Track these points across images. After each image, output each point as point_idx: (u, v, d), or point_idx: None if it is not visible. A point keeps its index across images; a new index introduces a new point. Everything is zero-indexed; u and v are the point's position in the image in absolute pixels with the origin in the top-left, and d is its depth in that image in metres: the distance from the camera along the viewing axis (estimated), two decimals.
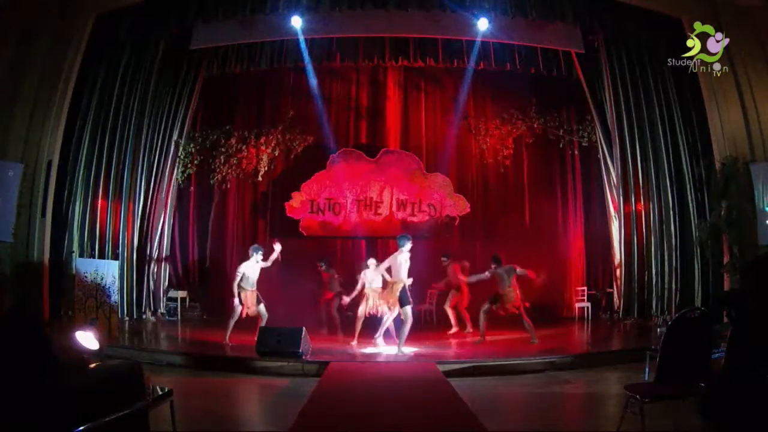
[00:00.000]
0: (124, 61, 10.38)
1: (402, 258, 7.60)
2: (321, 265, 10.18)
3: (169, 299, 11.59)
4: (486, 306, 8.32)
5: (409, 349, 7.66)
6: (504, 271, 8.26)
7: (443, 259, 9.89)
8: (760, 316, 2.26)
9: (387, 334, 8.35)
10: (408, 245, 7.65)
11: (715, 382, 2.61)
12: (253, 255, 8.25)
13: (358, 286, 8.54)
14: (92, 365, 3.12)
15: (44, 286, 9.12)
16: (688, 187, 10.12)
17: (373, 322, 8.51)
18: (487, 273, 8.42)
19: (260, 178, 12.28)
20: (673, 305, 9.87)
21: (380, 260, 8.48)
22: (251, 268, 8.17)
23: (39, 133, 9.27)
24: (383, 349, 7.94)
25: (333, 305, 9.93)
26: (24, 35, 9.09)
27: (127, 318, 10.19)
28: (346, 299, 8.98)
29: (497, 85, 12.34)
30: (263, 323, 7.98)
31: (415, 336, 8.45)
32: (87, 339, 3.59)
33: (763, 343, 2.20)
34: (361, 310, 8.35)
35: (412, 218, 12.17)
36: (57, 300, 9.15)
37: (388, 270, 7.89)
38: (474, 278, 8.79)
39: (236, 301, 8.04)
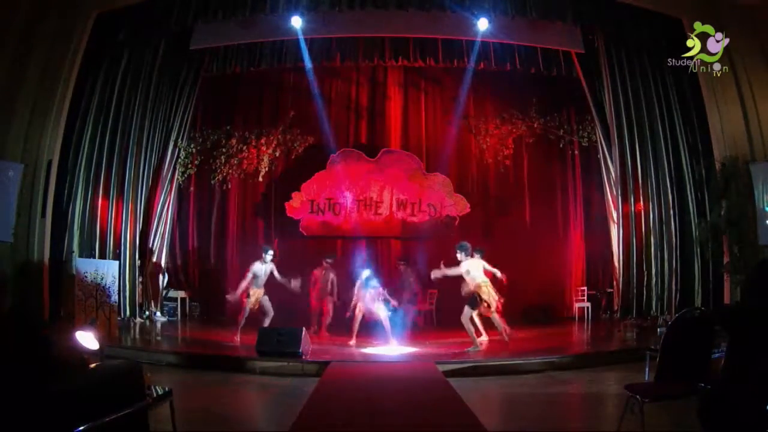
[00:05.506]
0: (124, 61, 10.35)
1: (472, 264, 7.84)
2: (401, 264, 10.26)
3: (169, 299, 11.55)
4: (468, 312, 7.57)
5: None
6: (473, 262, 7.71)
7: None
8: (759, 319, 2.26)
9: (380, 333, 8.38)
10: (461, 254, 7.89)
11: (713, 390, 2.61)
12: (263, 255, 8.46)
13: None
14: (92, 365, 3.11)
15: (44, 286, 9.11)
16: (688, 187, 10.11)
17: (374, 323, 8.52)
18: (462, 264, 7.72)
19: (261, 179, 12.28)
20: (673, 305, 9.85)
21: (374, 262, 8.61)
22: (261, 268, 8.39)
23: (39, 133, 9.26)
24: (383, 348, 7.95)
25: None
26: (24, 35, 9.08)
27: (127, 318, 10.19)
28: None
29: (497, 85, 12.32)
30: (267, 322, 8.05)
31: (415, 336, 8.46)
32: (87, 339, 3.59)
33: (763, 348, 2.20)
34: (359, 310, 8.37)
35: (412, 218, 12.16)
36: (57, 300, 9.16)
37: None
38: (439, 273, 7.88)
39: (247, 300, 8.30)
